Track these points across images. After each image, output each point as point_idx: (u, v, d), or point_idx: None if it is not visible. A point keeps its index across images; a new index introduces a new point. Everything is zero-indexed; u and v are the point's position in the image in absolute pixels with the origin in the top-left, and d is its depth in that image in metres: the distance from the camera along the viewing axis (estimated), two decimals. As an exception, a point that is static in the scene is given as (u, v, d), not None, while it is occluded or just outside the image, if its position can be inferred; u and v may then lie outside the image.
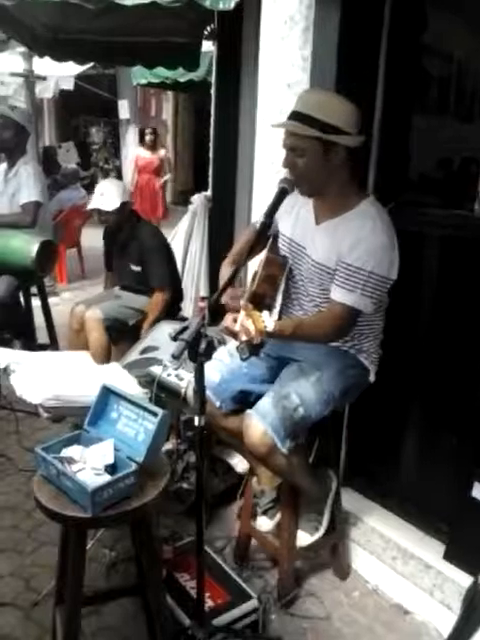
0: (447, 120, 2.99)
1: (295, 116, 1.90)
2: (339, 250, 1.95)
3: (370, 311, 1.98)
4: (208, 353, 1.62)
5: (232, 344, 2.05)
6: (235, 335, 1.73)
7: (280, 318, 2.11)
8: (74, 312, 3.56)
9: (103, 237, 3.88)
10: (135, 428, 1.80)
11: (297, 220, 2.12)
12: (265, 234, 2.03)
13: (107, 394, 1.89)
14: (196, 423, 1.70)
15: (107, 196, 3.51)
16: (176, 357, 1.59)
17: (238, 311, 1.74)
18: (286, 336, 1.87)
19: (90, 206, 3.60)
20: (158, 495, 1.70)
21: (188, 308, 4.28)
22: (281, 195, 1.93)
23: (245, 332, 1.66)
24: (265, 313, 1.72)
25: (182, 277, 4.34)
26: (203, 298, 4.45)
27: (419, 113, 2.76)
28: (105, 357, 3.38)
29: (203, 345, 1.59)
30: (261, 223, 1.95)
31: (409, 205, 2.49)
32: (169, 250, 3.81)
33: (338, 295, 1.95)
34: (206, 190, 4.55)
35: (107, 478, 1.65)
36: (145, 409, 1.80)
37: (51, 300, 4.37)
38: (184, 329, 1.63)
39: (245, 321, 1.66)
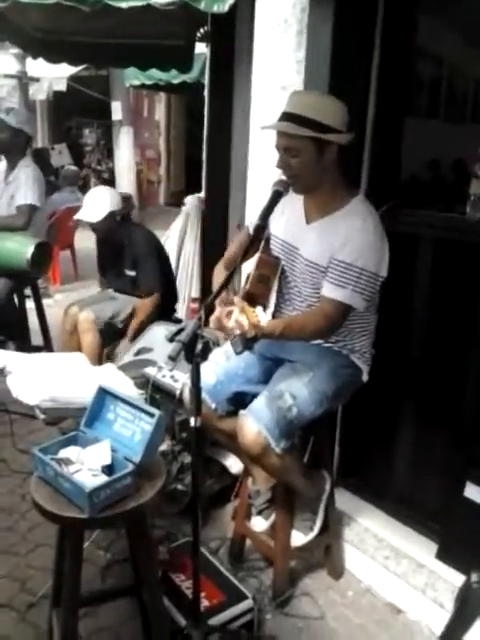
0: (439, 123, 3.03)
1: (287, 117, 1.92)
2: (331, 248, 1.97)
3: (361, 308, 2.00)
4: (204, 354, 1.63)
5: (228, 345, 2.07)
6: (225, 329, 1.75)
7: (274, 318, 2.13)
8: (68, 313, 3.56)
9: (96, 243, 3.88)
10: (132, 429, 1.80)
11: (288, 220, 2.14)
12: (259, 237, 2.04)
13: (103, 395, 1.89)
14: (191, 424, 1.71)
15: (93, 207, 3.52)
16: (173, 359, 1.60)
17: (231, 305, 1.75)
18: (277, 335, 1.88)
19: (77, 216, 3.63)
20: (155, 495, 1.70)
21: (180, 309, 4.29)
22: (275, 197, 1.95)
23: (239, 326, 1.68)
24: (259, 308, 1.74)
25: (175, 278, 4.35)
26: (195, 299, 4.46)
27: (412, 116, 2.78)
28: (98, 358, 3.38)
29: (200, 346, 1.60)
30: (255, 225, 1.96)
31: (402, 207, 2.51)
32: (162, 254, 3.80)
33: (330, 291, 1.97)
34: (199, 191, 4.57)
35: (104, 479, 1.65)
36: (141, 410, 1.79)
37: (44, 302, 4.36)
38: (180, 331, 1.64)
39: (239, 316, 1.68)
